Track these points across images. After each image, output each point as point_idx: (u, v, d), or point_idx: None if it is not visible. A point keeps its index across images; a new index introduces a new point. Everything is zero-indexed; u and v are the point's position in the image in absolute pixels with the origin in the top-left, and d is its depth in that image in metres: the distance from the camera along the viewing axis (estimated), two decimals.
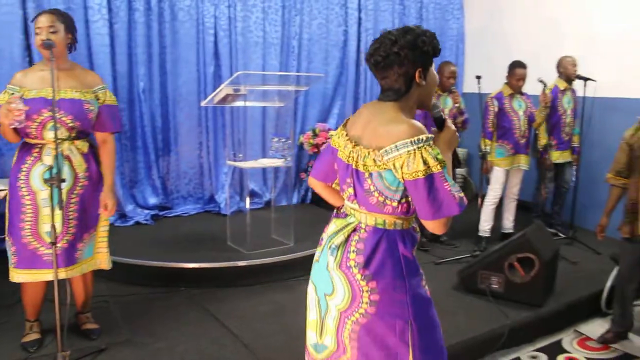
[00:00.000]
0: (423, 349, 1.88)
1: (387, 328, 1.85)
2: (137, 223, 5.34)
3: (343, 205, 2.03)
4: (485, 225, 5.20)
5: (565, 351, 3.63)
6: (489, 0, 7.09)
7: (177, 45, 5.56)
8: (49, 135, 2.91)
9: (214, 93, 4.43)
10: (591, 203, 5.84)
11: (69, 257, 3.02)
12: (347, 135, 1.92)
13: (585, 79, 5.20)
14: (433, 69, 1.90)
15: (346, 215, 1.96)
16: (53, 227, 2.66)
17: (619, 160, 3.57)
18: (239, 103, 4.60)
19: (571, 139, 5.44)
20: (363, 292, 1.83)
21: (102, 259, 3.25)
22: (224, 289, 4.11)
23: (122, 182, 5.40)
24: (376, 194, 1.81)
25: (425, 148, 1.71)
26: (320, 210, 6.06)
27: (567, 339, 3.81)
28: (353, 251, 1.86)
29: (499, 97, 5.07)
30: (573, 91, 5.41)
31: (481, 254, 4.60)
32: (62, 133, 2.92)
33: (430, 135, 1.76)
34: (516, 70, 5.05)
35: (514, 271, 3.89)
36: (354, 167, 1.85)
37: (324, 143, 6.01)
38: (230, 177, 5.88)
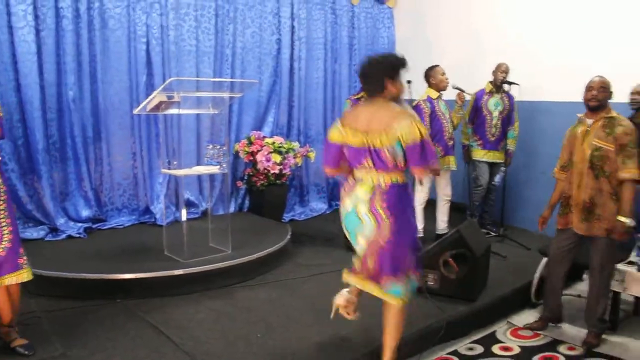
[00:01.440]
0: (417, 264, 2.97)
1: (400, 246, 2.84)
2: (70, 237, 5.14)
3: (353, 177, 2.95)
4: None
5: (499, 341, 3.77)
6: (417, 10, 7.32)
7: (108, 53, 5.43)
8: None
9: (147, 100, 4.32)
10: (518, 202, 6.10)
11: (13, 263, 3.00)
12: (351, 128, 2.86)
13: (510, 83, 5.47)
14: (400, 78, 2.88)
15: (363, 180, 2.87)
16: None
17: (562, 156, 3.80)
18: (173, 111, 4.52)
19: (500, 141, 5.66)
20: (386, 224, 2.80)
21: None
22: (162, 298, 4.03)
23: (52, 195, 5.21)
24: (393, 159, 2.75)
25: (418, 122, 2.76)
26: (257, 218, 6.05)
27: (501, 330, 3.96)
28: (381, 199, 2.81)
29: (429, 100, 5.23)
30: (509, 96, 5.62)
31: None
32: None
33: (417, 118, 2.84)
34: (437, 68, 5.27)
35: (448, 267, 4.00)
36: (372, 147, 2.77)
37: (259, 151, 5.99)
38: (165, 188, 5.78)
